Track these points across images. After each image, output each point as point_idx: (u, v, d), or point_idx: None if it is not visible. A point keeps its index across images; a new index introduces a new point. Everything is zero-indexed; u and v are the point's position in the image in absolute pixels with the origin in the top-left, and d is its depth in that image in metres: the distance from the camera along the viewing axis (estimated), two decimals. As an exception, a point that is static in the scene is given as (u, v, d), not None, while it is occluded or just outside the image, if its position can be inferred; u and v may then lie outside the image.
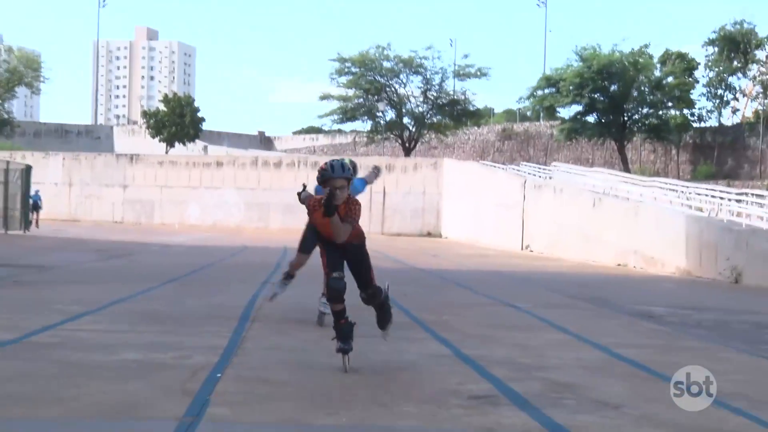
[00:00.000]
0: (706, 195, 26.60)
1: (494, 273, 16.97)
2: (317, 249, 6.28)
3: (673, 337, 7.85)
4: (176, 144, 58.25)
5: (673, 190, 28.40)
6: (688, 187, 29.87)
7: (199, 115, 58.61)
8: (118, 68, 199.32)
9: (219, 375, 5.16)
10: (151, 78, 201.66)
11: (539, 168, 42.28)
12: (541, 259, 22.49)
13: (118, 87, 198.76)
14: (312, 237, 6.97)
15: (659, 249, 18.08)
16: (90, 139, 73.23)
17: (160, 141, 58.18)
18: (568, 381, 5.29)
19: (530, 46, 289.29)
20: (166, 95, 62.02)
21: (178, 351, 5.85)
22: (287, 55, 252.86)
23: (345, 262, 5.54)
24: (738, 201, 25.24)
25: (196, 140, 59.79)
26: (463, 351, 6.41)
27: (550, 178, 37.64)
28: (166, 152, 56.41)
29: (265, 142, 78.19)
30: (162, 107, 58.64)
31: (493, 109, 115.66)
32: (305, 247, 7.64)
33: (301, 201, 5.88)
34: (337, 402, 4.56)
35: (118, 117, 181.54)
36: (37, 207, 33.21)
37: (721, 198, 25.88)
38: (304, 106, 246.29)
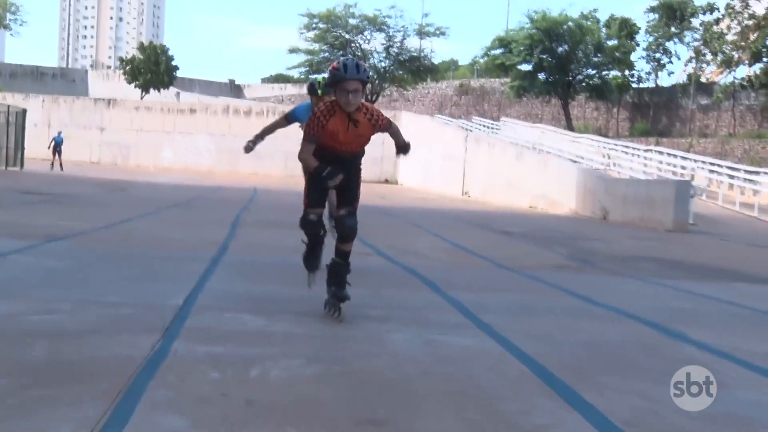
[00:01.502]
0: (617, 150, 31.13)
1: (426, 209, 21.06)
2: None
3: (508, 241, 12.01)
4: (151, 90, 61.36)
5: (596, 144, 32.90)
6: (608, 143, 34.30)
7: (173, 63, 61.62)
8: (86, 8, 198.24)
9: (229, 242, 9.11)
10: (120, 20, 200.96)
11: (490, 123, 46.44)
12: (472, 203, 26.63)
13: (86, 28, 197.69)
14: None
15: (560, 194, 22.29)
16: (65, 81, 75.59)
17: (135, 87, 61.15)
18: (419, 251, 9.36)
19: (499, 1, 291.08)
20: (141, 43, 64.78)
21: (206, 233, 9.74)
22: (256, 2, 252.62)
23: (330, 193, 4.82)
24: (646, 155, 29.82)
25: (170, 87, 62.90)
26: (384, 252, 10.43)
27: (498, 131, 41.86)
28: (141, 98, 59.53)
29: (234, 89, 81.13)
30: (138, 54, 61.47)
31: (458, 61, 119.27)
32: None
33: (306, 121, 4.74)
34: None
35: (86, 58, 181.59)
36: (58, 149, 34.39)
37: (625, 153, 30.48)
38: (273, 52, 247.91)
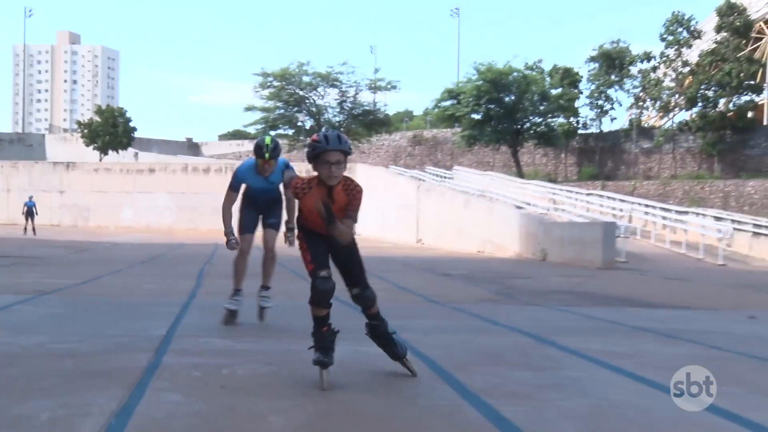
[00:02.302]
0: (561, 194, 32.91)
1: (378, 257, 22.36)
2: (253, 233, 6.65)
3: (446, 281, 13.38)
4: (109, 152, 62.33)
5: (543, 188, 34.66)
6: (553, 188, 36.14)
7: (131, 125, 62.80)
8: (39, 72, 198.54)
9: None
10: (74, 82, 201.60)
11: (443, 172, 48.23)
12: (425, 249, 28.04)
13: (39, 92, 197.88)
14: (252, 216, 6.72)
15: (504, 238, 23.81)
16: (23, 146, 76.13)
17: (94, 149, 62.10)
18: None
19: (451, 51, 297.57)
20: (99, 106, 65.86)
21: (176, 284, 10.92)
22: (210, 59, 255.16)
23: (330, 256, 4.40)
24: (588, 199, 31.56)
25: (128, 148, 63.96)
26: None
27: (451, 179, 43.58)
28: (100, 159, 60.45)
29: (192, 147, 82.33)
30: (96, 117, 62.55)
31: (412, 112, 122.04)
32: (247, 227, 6.77)
33: (285, 184, 5.88)
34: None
35: (40, 121, 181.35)
36: (32, 213, 35.09)
37: (568, 197, 32.25)
38: (228, 108, 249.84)
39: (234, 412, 3.56)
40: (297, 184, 4.31)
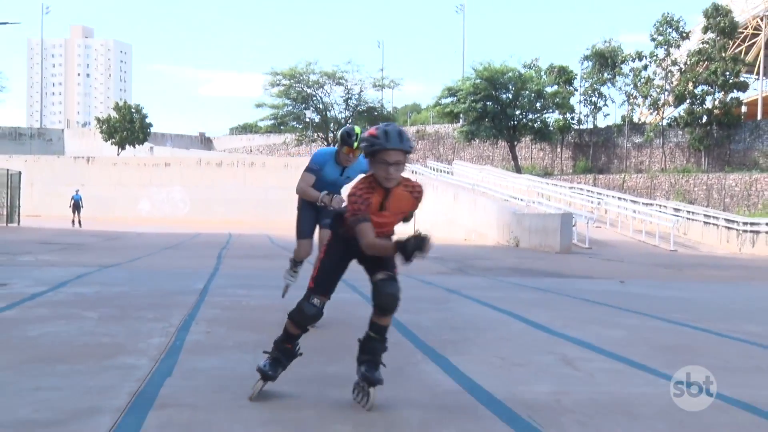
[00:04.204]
0: (548, 187, 35.78)
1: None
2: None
3: (418, 262, 16.26)
4: (126, 146, 65.58)
5: (534, 182, 37.53)
6: (541, 181, 38.98)
7: (147, 121, 65.98)
8: (54, 66, 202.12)
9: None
10: (87, 76, 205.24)
11: (444, 166, 51.09)
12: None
13: (53, 85, 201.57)
14: (309, 217, 6.59)
15: (486, 227, 26.70)
16: (43, 141, 79.44)
17: (112, 144, 65.29)
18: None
19: (457, 46, 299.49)
20: (116, 103, 68.97)
21: (201, 262, 13.80)
22: (220, 51, 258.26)
23: (343, 274, 4.00)
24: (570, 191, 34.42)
25: (144, 143, 67.19)
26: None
27: (451, 173, 46.47)
28: (118, 154, 63.64)
29: (205, 142, 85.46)
30: (114, 114, 65.76)
31: (420, 105, 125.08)
32: (304, 231, 6.68)
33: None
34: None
35: (54, 115, 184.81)
36: (78, 207, 36.91)
37: (553, 191, 35.10)
38: (239, 101, 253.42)
39: (248, 315, 6.52)
40: (357, 191, 3.75)
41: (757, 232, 23.95)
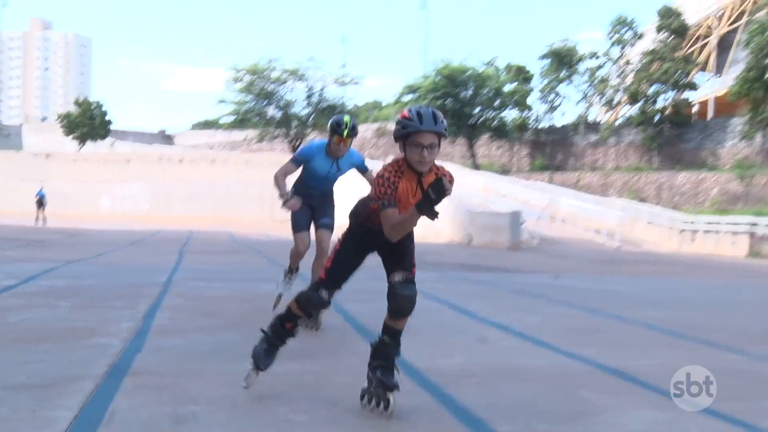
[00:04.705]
0: (504, 184, 36.82)
1: (333, 242, 26.01)
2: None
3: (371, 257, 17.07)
4: (87, 142, 65.51)
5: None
6: (497, 179, 40.07)
7: (108, 117, 66.03)
8: (11, 59, 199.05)
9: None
10: (46, 69, 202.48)
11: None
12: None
13: (11, 78, 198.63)
14: (303, 210, 6.31)
15: (441, 225, 27.56)
16: (0, 136, 78.88)
17: (73, 139, 65.17)
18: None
19: (420, 43, 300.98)
20: (77, 99, 68.78)
21: (164, 258, 14.45)
22: (181, 45, 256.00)
23: (362, 263, 3.93)
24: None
25: (105, 138, 67.14)
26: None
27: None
28: (79, 150, 63.56)
29: (166, 138, 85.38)
30: (74, 109, 65.66)
31: (381, 103, 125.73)
32: (300, 224, 6.48)
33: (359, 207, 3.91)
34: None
35: (12, 109, 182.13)
36: (42, 203, 36.21)
37: (509, 189, 36.13)
38: (201, 95, 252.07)
39: (207, 304, 7.25)
40: (385, 172, 3.64)
41: (695, 230, 25.19)
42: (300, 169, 6.32)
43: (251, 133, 66.07)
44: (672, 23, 54.36)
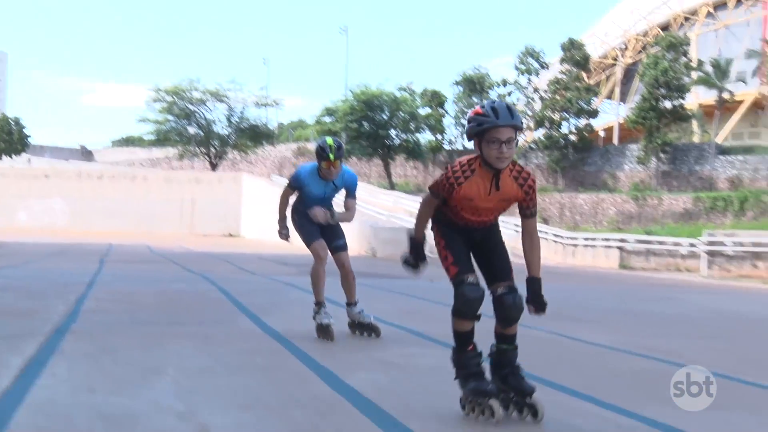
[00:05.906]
0: (410, 203, 38.97)
1: (244, 254, 27.60)
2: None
3: (276, 266, 18.84)
4: (3, 157, 65.29)
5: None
6: (406, 198, 42.23)
7: (25, 131, 66.01)
8: None
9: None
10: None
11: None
12: (293, 248, 33.42)
13: None
14: (310, 222, 6.35)
15: (348, 238, 29.41)
16: None
17: (-12, 155, 64.93)
18: (220, 271, 15.99)
19: (341, 65, 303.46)
20: (-6, 114, 68.53)
21: (85, 265, 15.90)
22: (102, 60, 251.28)
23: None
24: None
25: (22, 153, 67.01)
26: (196, 272, 16.91)
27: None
28: (-5, 165, 63.31)
29: (86, 154, 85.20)
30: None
31: (305, 121, 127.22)
32: (312, 234, 6.50)
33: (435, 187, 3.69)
34: None
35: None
36: None
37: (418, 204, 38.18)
38: (122, 111, 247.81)
39: (127, 296, 8.95)
40: (449, 172, 3.63)
41: (576, 245, 27.73)
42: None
43: (172, 150, 67.03)
44: (575, 56, 57.83)
